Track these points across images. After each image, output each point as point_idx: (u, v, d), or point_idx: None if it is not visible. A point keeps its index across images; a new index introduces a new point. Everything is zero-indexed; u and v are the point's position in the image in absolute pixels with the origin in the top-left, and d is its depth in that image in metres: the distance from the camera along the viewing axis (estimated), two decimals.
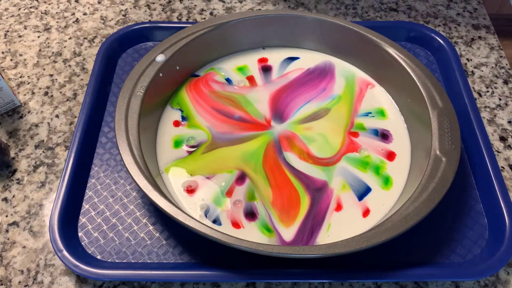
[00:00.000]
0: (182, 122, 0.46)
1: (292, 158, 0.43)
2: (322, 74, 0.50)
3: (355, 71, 0.50)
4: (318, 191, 0.41)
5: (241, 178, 0.42)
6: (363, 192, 0.42)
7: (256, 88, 0.49)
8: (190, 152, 0.44)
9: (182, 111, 0.47)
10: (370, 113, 0.47)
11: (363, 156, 0.44)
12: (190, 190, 0.41)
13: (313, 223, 0.39)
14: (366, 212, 0.40)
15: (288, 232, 0.39)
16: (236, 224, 0.39)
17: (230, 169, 0.43)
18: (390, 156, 0.44)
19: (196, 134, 0.45)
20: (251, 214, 0.40)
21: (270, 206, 0.40)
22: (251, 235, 0.39)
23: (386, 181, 0.42)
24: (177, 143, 0.45)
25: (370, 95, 0.48)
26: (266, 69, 0.51)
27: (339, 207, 0.41)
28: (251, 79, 0.50)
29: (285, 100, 0.48)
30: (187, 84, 0.49)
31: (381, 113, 0.47)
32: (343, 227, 0.39)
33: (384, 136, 0.45)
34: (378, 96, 0.48)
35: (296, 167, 0.43)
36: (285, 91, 0.49)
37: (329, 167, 0.43)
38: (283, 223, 0.39)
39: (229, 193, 0.41)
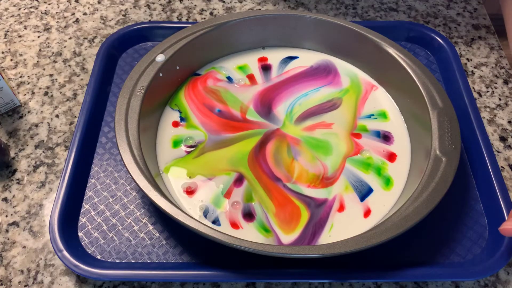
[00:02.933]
0: (181, 123, 0.46)
1: (301, 187, 0.42)
2: (326, 70, 0.51)
3: (357, 72, 0.50)
4: (318, 207, 0.41)
5: (239, 180, 0.42)
6: (365, 192, 0.42)
7: (255, 86, 0.49)
8: (188, 152, 0.44)
9: (180, 112, 0.47)
10: (373, 115, 0.47)
11: (365, 157, 0.44)
12: (190, 192, 0.41)
13: (315, 226, 0.39)
14: (367, 213, 0.40)
15: (290, 236, 0.39)
16: (234, 225, 0.39)
17: (228, 171, 0.43)
18: (391, 157, 0.44)
19: (194, 135, 0.45)
20: (249, 215, 0.40)
21: (269, 210, 0.40)
22: (249, 236, 0.39)
23: (387, 181, 0.42)
24: (176, 143, 0.45)
25: (372, 97, 0.48)
26: (266, 68, 0.51)
27: (341, 208, 0.41)
28: (251, 77, 0.50)
29: (277, 91, 0.48)
30: (187, 84, 0.49)
31: (383, 115, 0.47)
32: (345, 228, 0.39)
33: (385, 137, 0.45)
34: (380, 98, 0.48)
35: (302, 193, 0.42)
36: (282, 85, 0.49)
37: (332, 186, 0.42)
38: (283, 231, 0.39)
39: (227, 194, 0.41)
